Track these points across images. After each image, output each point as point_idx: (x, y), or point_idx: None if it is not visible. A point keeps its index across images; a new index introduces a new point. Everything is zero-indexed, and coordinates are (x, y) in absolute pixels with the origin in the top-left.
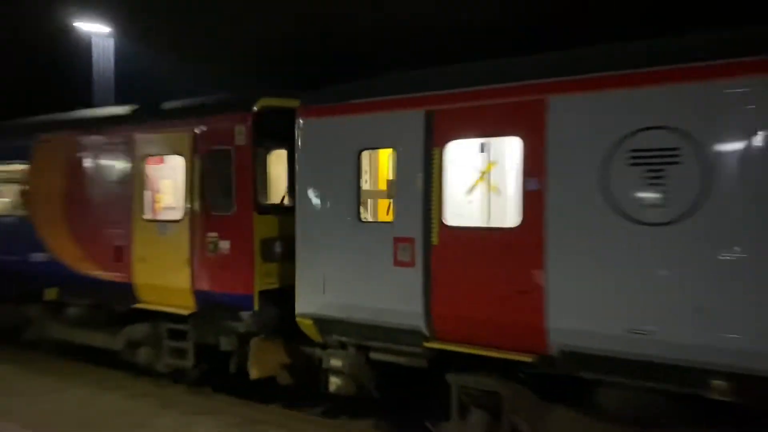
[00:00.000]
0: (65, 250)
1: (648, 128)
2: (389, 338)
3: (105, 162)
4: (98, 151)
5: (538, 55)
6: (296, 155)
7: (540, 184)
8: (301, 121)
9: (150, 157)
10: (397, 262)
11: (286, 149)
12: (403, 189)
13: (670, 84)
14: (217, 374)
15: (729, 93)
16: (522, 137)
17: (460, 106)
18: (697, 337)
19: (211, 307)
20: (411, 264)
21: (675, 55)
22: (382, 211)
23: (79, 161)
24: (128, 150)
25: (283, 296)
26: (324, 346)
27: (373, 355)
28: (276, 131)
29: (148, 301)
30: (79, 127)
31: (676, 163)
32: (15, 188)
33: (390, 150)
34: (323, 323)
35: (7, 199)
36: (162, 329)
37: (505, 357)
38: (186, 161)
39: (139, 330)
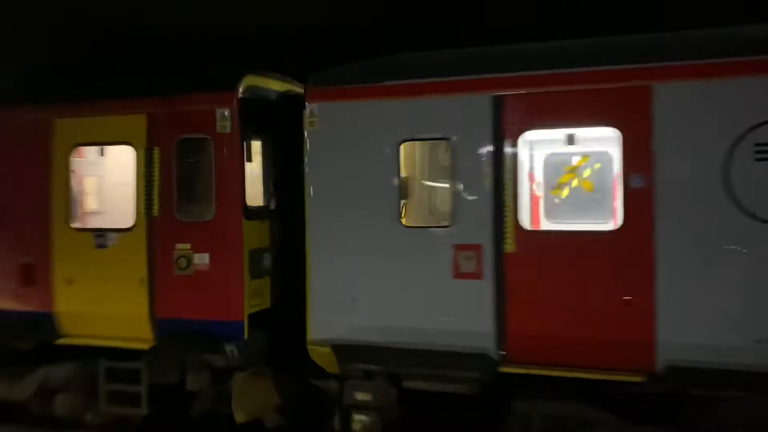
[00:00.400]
0: None
1: None
2: (442, 364)
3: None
4: None
5: (641, 35)
6: (307, 147)
7: (647, 181)
8: (314, 106)
9: (79, 147)
10: (459, 274)
11: (262, 140)
12: (467, 187)
13: None
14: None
15: None
16: (622, 129)
17: (539, 90)
18: None
19: (175, 337)
20: (478, 276)
21: None
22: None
23: None
24: (45, 136)
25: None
26: (340, 377)
27: (410, 384)
28: (254, 118)
29: (76, 335)
30: None
31: None
32: None
33: (444, 142)
34: (346, 350)
35: None
36: (97, 369)
37: (611, 378)
38: (138, 152)
39: (59, 372)
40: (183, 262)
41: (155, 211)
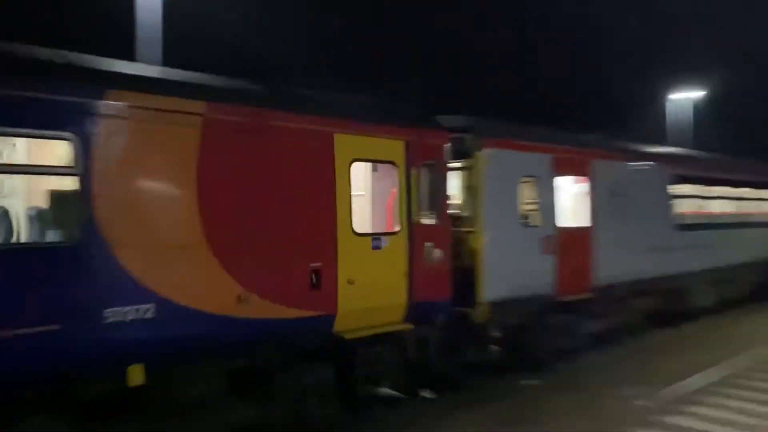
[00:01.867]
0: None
1: None
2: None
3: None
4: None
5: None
6: (483, 176)
7: None
8: (490, 150)
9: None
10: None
11: None
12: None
13: None
14: None
15: None
16: None
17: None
18: None
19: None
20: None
21: None
22: None
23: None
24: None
25: None
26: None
27: None
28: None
29: (350, 330)
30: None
31: None
32: None
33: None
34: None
35: None
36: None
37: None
38: (400, 170)
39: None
40: (430, 257)
41: (414, 217)
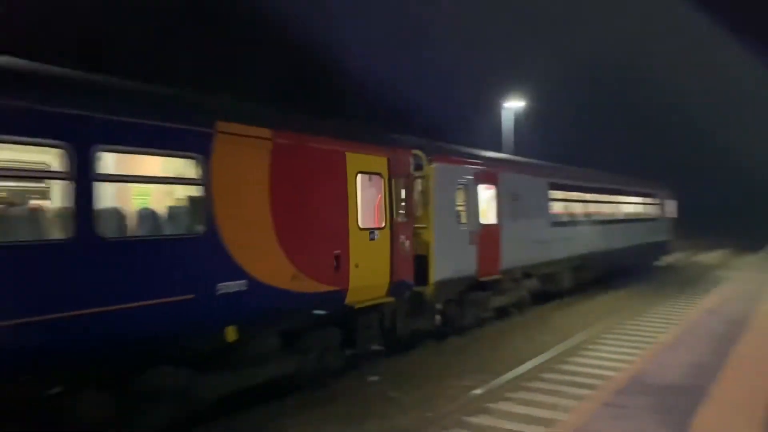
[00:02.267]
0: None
1: None
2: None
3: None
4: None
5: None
6: (432, 184)
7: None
8: (437, 164)
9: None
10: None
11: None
12: (469, 207)
13: None
14: None
15: None
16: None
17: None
18: None
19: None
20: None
21: None
22: None
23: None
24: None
25: None
26: None
27: None
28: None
29: (356, 301)
30: None
31: None
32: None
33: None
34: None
35: None
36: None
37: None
38: (384, 180)
39: None
40: (402, 247)
41: (394, 216)
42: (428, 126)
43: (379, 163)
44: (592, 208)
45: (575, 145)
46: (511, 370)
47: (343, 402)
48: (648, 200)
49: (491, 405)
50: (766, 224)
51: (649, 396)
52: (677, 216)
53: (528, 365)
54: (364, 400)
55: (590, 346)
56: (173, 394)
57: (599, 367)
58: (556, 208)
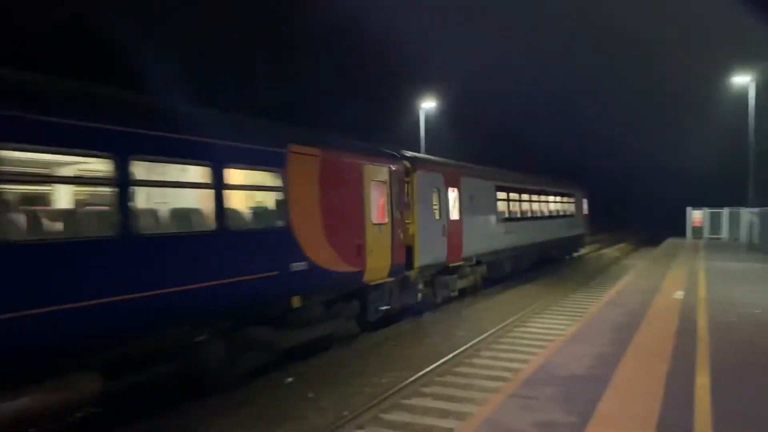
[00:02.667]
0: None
1: None
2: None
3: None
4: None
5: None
6: (416, 187)
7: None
8: (419, 172)
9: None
10: (444, 234)
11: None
12: (441, 206)
13: None
14: None
15: None
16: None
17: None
18: None
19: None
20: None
21: None
22: None
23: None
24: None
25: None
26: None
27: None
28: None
29: (371, 280)
30: None
31: None
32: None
33: (436, 190)
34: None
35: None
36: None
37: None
38: (387, 185)
39: None
40: (398, 237)
41: (394, 214)
42: (350, 124)
43: (384, 172)
44: (527, 206)
45: (492, 144)
46: (427, 365)
47: (259, 404)
48: (568, 199)
49: (407, 401)
50: (667, 221)
51: (556, 386)
52: (589, 213)
53: (443, 360)
54: (280, 402)
55: (502, 340)
56: (262, 344)
57: (509, 360)
58: (501, 206)
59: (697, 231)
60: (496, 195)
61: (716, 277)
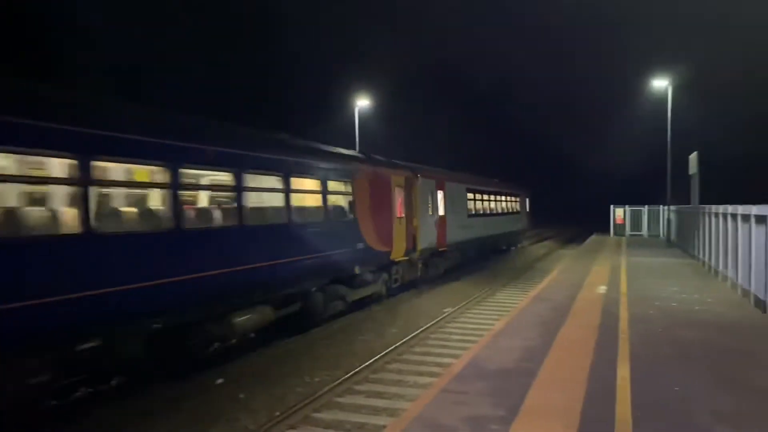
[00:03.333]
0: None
1: None
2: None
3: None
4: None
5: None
6: (418, 191)
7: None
8: (422, 179)
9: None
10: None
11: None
12: (433, 204)
13: None
14: None
15: None
16: None
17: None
18: None
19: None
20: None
21: None
22: None
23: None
24: (389, 181)
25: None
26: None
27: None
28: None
29: (396, 259)
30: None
31: None
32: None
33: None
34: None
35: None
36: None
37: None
38: (404, 189)
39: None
40: (411, 227)
41: (407, 211)
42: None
43: (402, 180)
44: (486, 205)
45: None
46: (360, 363)
47: (189, 406)
48: (514, 198)
49: (340, 399)
50: (595, 218)
51: (486, 380)
52: (529, 210)
53: (376, 357)
54: (210, 404)
55: (434, 336)
56: (340, 296)
57: (441, 355)
58: (470, 205)
59: (620, 228)
60: (467, 196)
61: (636, 271)
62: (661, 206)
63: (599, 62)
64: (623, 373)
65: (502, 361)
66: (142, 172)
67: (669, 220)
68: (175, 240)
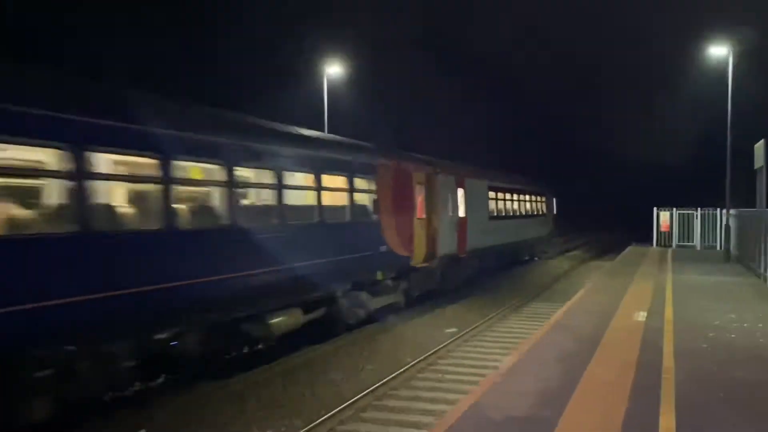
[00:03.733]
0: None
1: None
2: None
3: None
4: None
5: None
6: (438, 186)
7: None
8: (440, 175)
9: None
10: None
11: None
12: (453, 204)
13: None
14: None
15: None
16: None
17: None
18: None
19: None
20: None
21: None
22: None
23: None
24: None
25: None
26: None
27: None
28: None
29: (416, 264)
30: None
31: None
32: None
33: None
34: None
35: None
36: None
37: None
38: (425, 186)
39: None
40: (431, 229)
41: (428, 211)
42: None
43: (422, 176)
44: (508, 205)
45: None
46: (328, 411)
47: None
48: (539, 198)
49: None
50: (633, 226)
51: None
52: (556, 213)
53: (346, 404)
54: None
55: (424, 375)
56: (362, 304)
57: (432, 400)
58: (491, 205)
59: (665, 237)
60: (488, 194)
61: (685, 293)
62: (717, 209)
63: (638, 26)
64: (667, 423)
65: (512, 408)
66: (204, 171)
67: (728, 227)
68: (230, 238)
